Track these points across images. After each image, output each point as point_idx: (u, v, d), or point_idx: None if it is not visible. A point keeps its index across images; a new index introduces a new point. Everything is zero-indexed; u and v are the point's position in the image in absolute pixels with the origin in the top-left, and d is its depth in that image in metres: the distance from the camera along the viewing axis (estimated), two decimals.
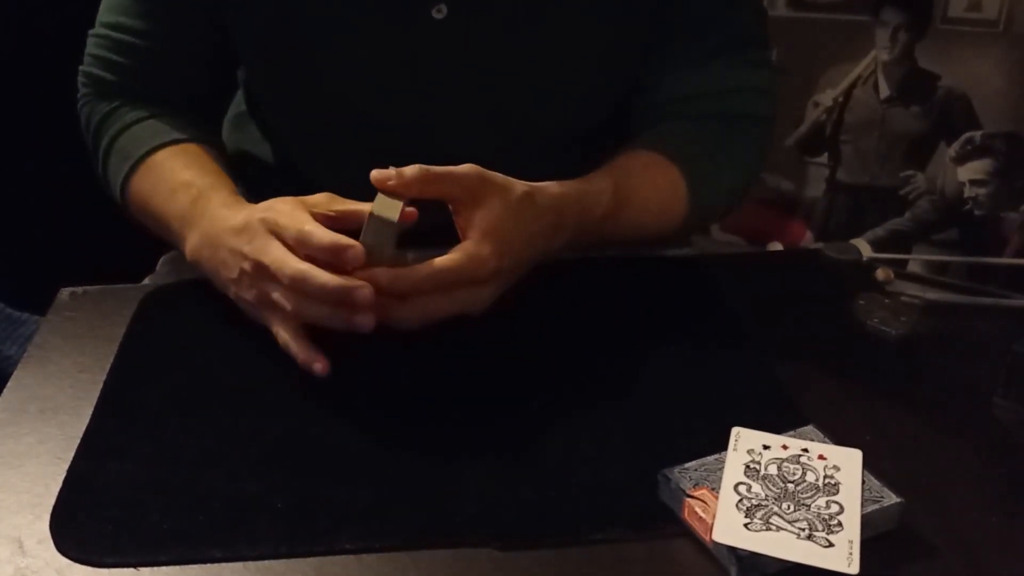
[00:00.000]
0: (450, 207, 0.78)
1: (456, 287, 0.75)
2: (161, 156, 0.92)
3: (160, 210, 0.90)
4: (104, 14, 0.97)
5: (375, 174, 0.74)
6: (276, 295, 0.76)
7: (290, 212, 0.77)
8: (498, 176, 0.78)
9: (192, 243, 0.84)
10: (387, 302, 0.74)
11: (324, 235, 0.74)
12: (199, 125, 0.97)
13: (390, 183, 0.74)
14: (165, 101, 0.97)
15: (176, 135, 0.94)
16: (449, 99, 0.93)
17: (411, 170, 0.74)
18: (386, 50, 0.91)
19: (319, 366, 0.74)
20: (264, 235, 0.76)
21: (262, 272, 0.76)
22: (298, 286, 0.74)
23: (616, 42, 0.94)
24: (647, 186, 0.90)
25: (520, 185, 0.79)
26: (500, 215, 0.76)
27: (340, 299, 0.72)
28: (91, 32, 0.99)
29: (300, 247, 0.75)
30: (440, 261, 0.74)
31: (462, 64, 0.91)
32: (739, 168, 0.97)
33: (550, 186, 0.82)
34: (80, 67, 1.00)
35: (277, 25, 0.91)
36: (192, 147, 0.94)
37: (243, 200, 0.85)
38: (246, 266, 0.77)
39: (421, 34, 0.90)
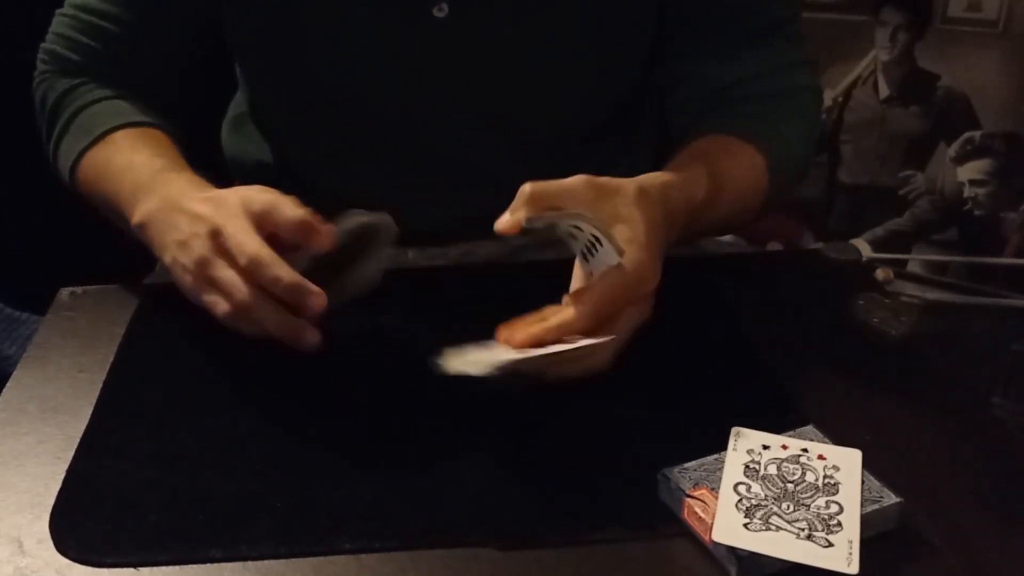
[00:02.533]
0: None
1: (624, 305, 0.72)
2: (122, 135, 0.90)
3: (114, 179, 0.86)
4: None
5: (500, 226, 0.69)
6: (224, 273, 0.72)
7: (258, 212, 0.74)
8: (606, 180, 0.74)
9: (146, 207, 0.80)
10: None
11: (285, 272, 0.70)
12: (164, 117, 0.94)
13: (510, 224, 0.69)
14: (132, 89, 0.94)
15: (141, 118, 0.91)
16: (449, 98, 0.93)
17: (523, 194, 0.70)
18: (386, 49, 0.91)
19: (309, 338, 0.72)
20: (236, 207, 0.74)
21: (217, 241, 0.73)
22: (253, 269, 0.71)
23: (618, 42, 0.94)
24: (735, 169, 0.89)
25: (628, 182, 0.75)
26: (635, 219, 0.72)
27: (293, 297, 0.71)
28: (59, 11, 0.96)
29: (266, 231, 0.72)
30: (604, 281, 0.70)
31: (463, 63, 0.91)
32: (805, 140, 0.97)
33: (652, 180, 0.78)
34: (42, 44, 0.96)
35: (276, 24, 0.91)
36: (157, 132, 0.91)
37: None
38: (201, 230, 0.74)
39: (422, 33, 0.90)
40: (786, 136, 0.94)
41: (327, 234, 0.72)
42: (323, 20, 0.90)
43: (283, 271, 0.71)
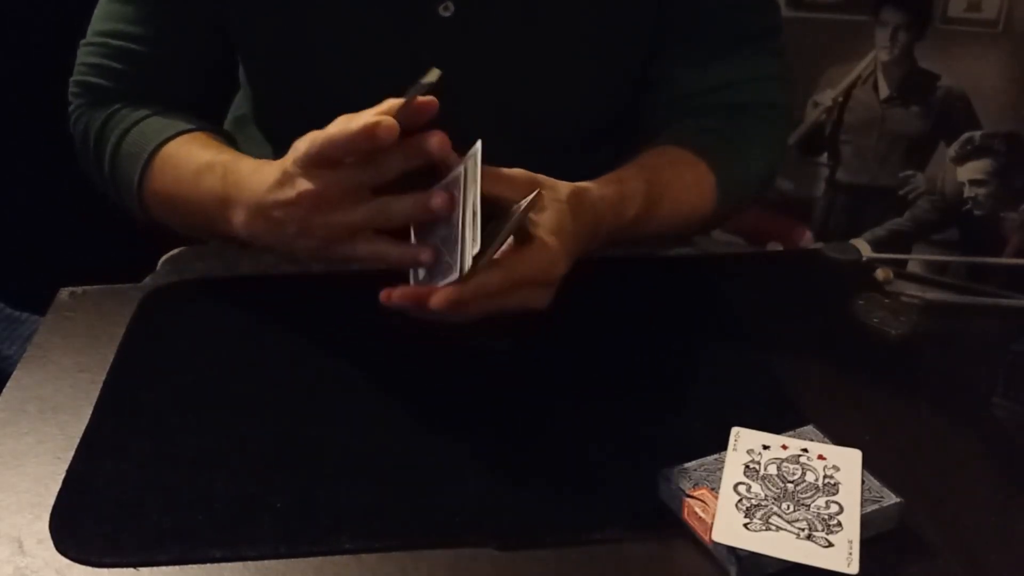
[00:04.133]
0: None
1: (524, 286, 0.74)
2: (174, 146, 0.90)
3: (189, 197, 0.88)
4: (99, 23, 0.96)
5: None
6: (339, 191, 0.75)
7: (309, 137, 0.76)
8: (544, 177, 0.78)
9: (241, 219, 0.82)
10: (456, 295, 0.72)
11: (348, 126, 0.72)
12: (202, 120, 0.96)
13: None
14: (165, 103, 0.96)
15: (184, 126, 0.92)
16: (453, 99, 0.93)
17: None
18: (391, 49, 0.91)
19: (425, 255, 0.73)
20: (300, 173, 0.76)
21: (315, 200, 0.75)
22: (329, 154, 0.73)
23: (622, 43, 0.94)
24: (677, 184, 0.90)
25: (564, 185, 0.79)
26: (560, 214, 0.76)
27: (367, 136, 0.71)
28: (83, 42, 0.97)
29: (336, 151, 0.74)
30: (513, 262, 0.73)
31: (467, 63, 0.91)
32: (763, 157, 0.97)
33: (590, 188, 0.82)
34: (71, 78, 0.97)
35: (280, 25, 0.91)
36: (201, 134, 0.92)
37: (269, 161, 0.83)
38: (299, 212, 0.76)
39: (427, 32, 0.90)
40: (743, 153, 0.94)
41: (387, 126, 0.72)
42: (328, 20, 0.90)
43: (346, 129, 0.72)
